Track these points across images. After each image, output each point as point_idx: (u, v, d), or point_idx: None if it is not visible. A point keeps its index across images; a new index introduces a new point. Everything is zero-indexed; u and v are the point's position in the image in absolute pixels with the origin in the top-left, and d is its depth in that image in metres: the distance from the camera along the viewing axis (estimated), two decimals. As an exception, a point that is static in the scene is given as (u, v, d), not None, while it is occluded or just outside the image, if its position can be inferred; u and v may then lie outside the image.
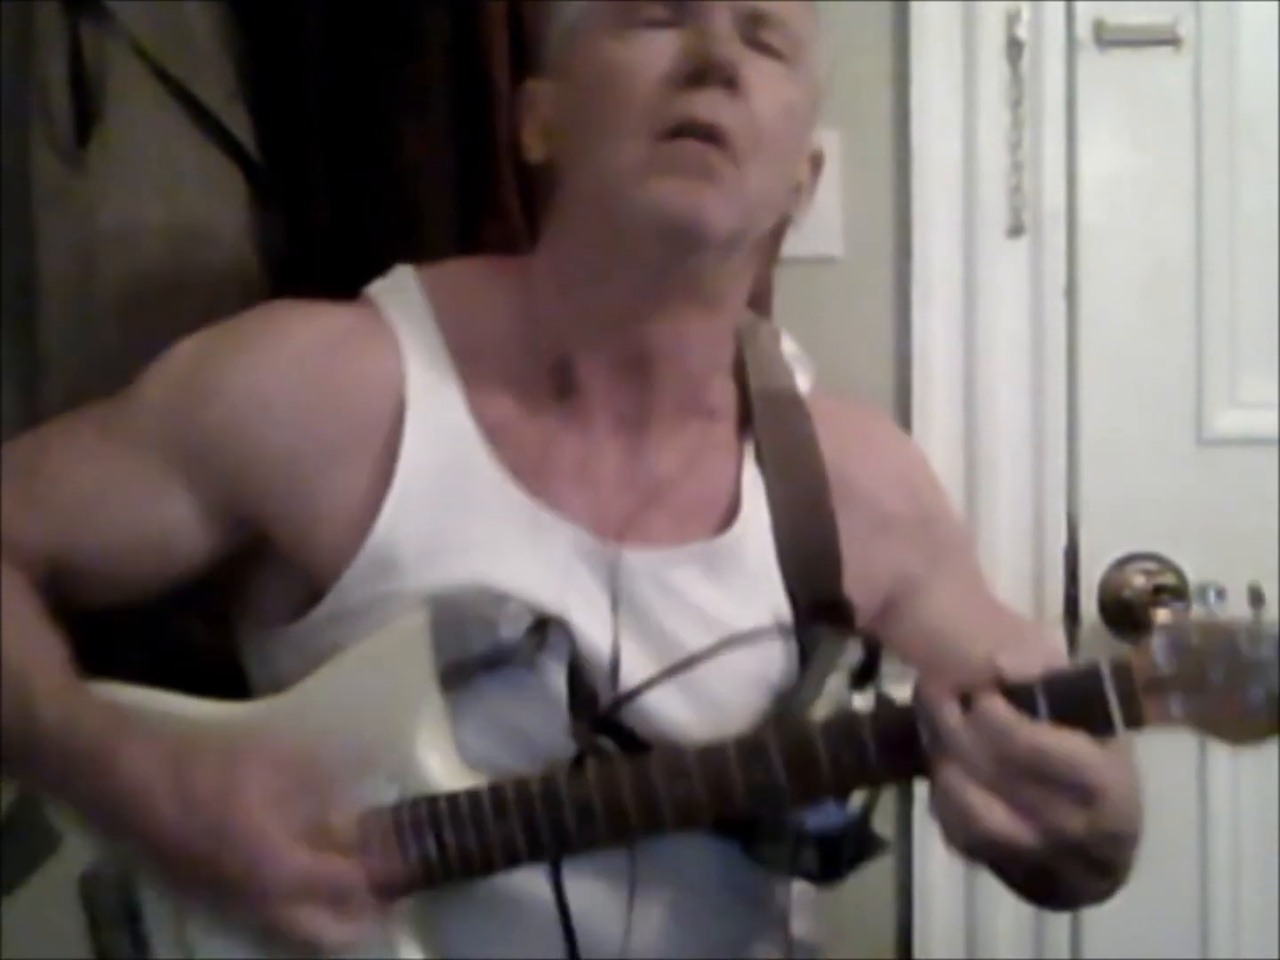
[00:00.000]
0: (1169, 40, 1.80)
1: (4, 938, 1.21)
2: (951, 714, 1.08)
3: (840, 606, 1.26)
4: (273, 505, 1.23)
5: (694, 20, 1.19)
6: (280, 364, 1.24)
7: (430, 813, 1.14)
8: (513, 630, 1.16)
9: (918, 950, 1.77)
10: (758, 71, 1.20)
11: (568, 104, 1.24)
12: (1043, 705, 1.08)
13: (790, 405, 1.33)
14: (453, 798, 1.14)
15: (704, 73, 1.17)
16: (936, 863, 1.71)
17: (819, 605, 1.26)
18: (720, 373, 1.31)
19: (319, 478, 1.22)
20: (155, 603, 1.29)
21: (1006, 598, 1.70)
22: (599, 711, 1.18)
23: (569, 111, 1.24)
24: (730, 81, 1.18)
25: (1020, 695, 1.08)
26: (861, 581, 1.28)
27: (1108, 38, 1.79)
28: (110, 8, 1.44)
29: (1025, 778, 1.06)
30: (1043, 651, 1.13)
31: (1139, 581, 1.80)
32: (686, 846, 1.19)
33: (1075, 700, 1.08)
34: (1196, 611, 1.10)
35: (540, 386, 1.25)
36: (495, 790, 1.14)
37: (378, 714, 1.16)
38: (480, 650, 1.16)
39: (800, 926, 1.32)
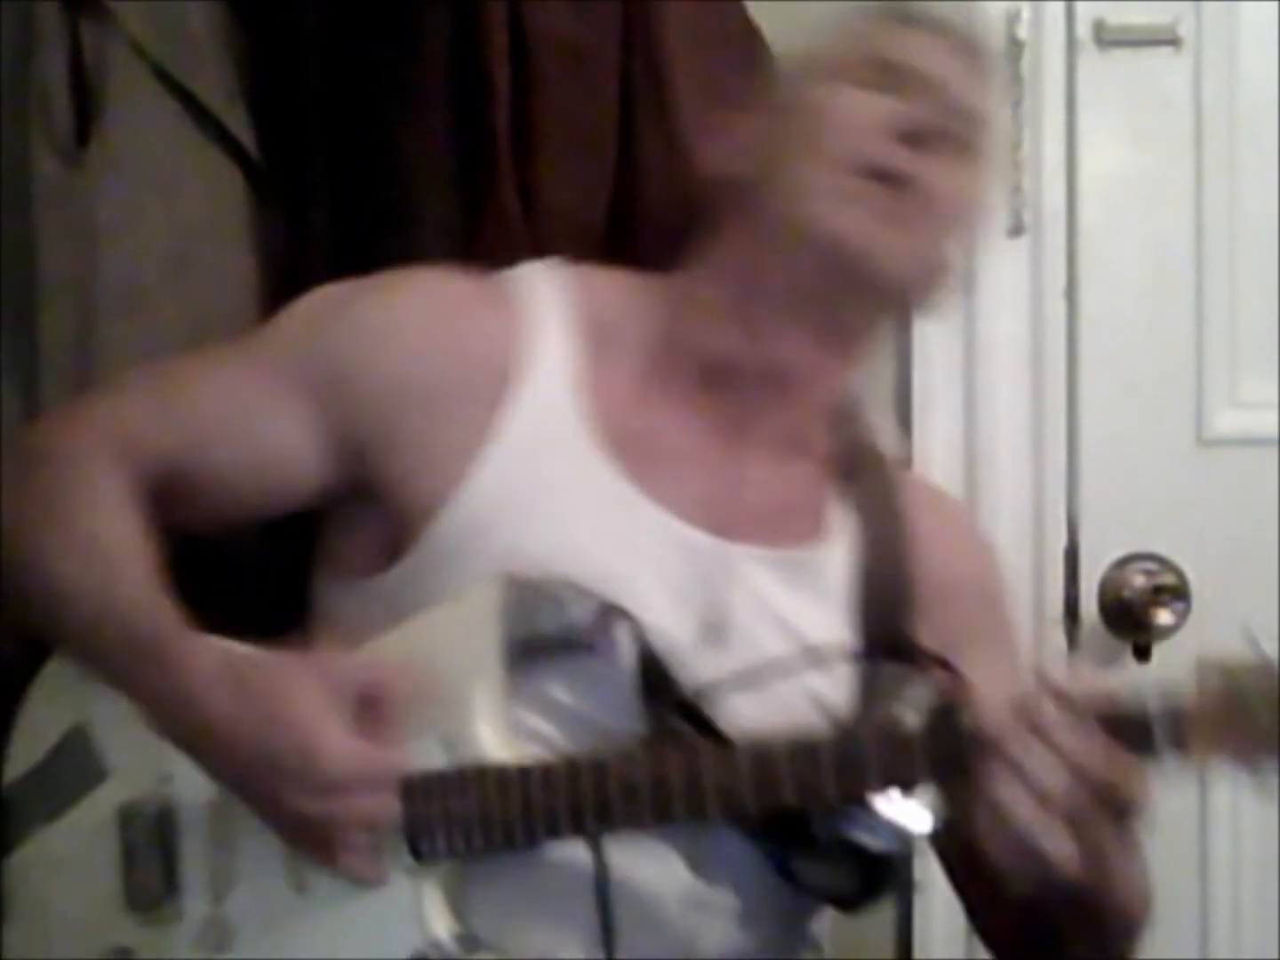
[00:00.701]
0: (1169, 40, 1.80)
1: (34, 872, 1.24)
2: (1008, 721, 1.10)
3: (908, 648, 1.28)
4: (383, 441, 1.26)
5: (908, 94, 1.29)
6: (413, 304, 1.30)
7: (478, 779, 1.15)
8: (580, 615, 1.18)
9: (918, 950, 1.77)
10: (953, 154, 1.29)
11: (780, 130, 1.32)
12: (1089, 720, 1.09)
13: (879, 462, 1.40)
14: (502, 767, 1.15)
15: (915, 132, 1.27)
16: (936, 863, 1.71)
17: (886, 645, 1.27)
18: (823, 422, 1.36)
19: (425, 420, 1.26)
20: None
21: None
22: (679, 698, 1.20)
23: (779, 137, 1.31)
24: (933, 148, 1.27)
25: (1067, 707, 1.09)
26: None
27: (1108, 38, 1.80)
28: (110, 8, 1.44)
29: (1070, 779, 1.08)
30: (1093, 680, 1.15)
31: (1139, 581, 1.80)
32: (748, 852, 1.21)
33: (1121, 718, 1.09)
34: (1247, 654, 1.11)
35: (664, 383, 1.30)
36: (544, 764, 1.16)
37: (441, 680, 1.17)
38: (547, 631, 1.18)
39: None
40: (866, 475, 1.36)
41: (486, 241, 1.49)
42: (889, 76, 1.29)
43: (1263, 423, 1.80)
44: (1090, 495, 1.81)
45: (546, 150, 1.52)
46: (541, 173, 1.52)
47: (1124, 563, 1.81)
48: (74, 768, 1.25)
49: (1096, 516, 1.81)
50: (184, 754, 1.17)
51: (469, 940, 1.16)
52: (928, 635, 1.30)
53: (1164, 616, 1.79)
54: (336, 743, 1.11)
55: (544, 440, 1.25)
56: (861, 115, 1.28)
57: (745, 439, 1.31)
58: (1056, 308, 1.81)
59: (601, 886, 1.17)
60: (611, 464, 1.26)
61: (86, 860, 1.23)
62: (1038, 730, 1.09)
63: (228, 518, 1.30)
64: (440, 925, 1.16)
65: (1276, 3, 1.79)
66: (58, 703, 1.27)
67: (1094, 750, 1.08)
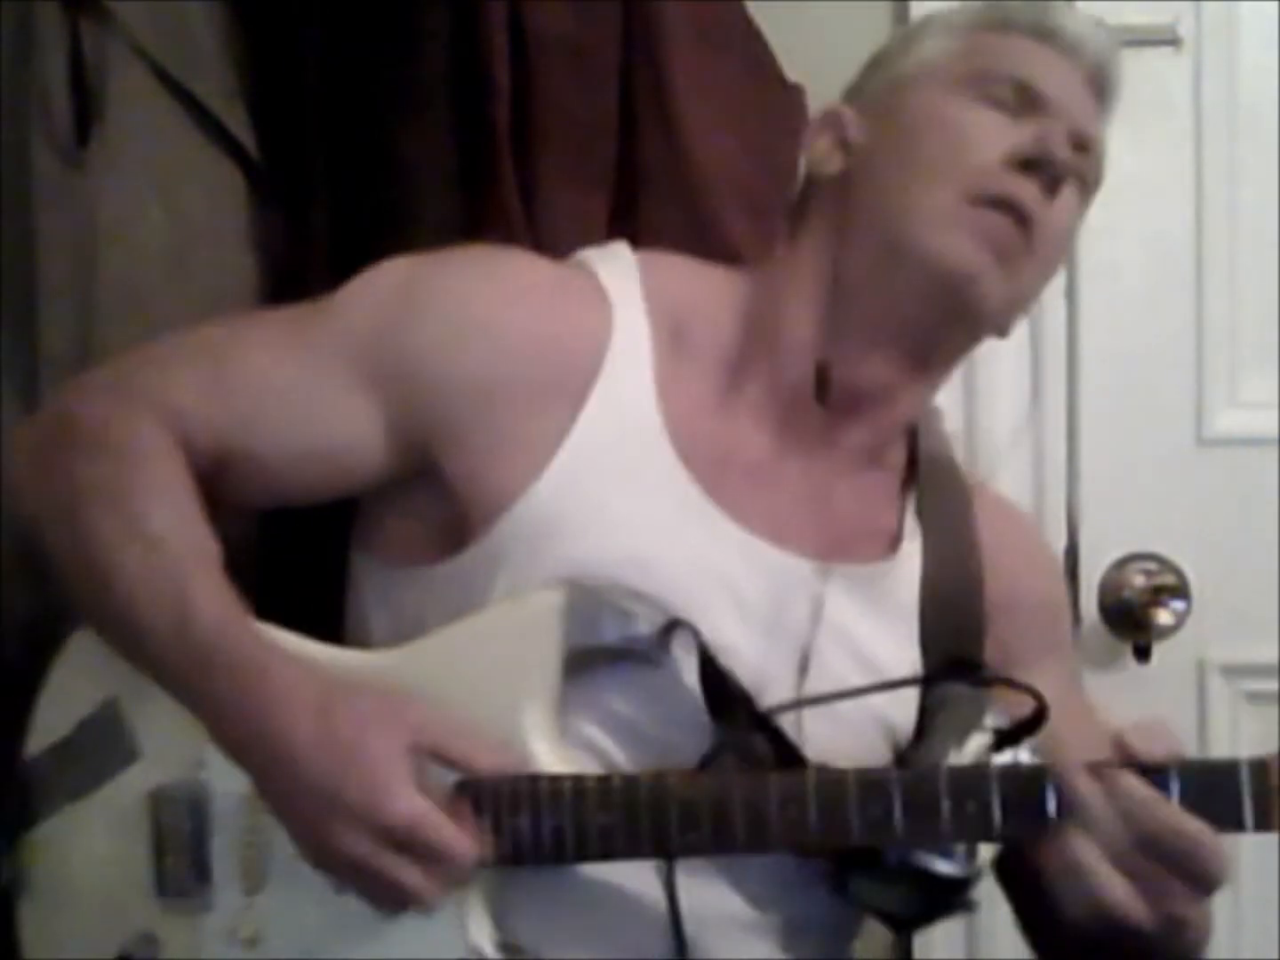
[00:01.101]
0: (1169, 40, 1.80)
1: (59, 849, 1.22)
2: (1088, 784, 1.08)
3: (974, 668, 1.25)
4: (454, 434, 1.22)
5: (1035, 120, 1.24)
6: (501, 293, 1.24)
7: (531, 790, 1.12)
8: (645, 628, 1.16)
9: (918, 950, 1.77)
10: (1067, 189, 1.25)
11: (888, 136, 1.27)
12: (1175, 790, 1.08)
13: (952, 472, 1.37)
14: (556, 779, 1.13)
15: (1041, 165, 1.22)
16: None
17: (951, 663, 1.25)
18: (901, 435, 1.34)
19: (506, 413, 1.21)
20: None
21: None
22: (747, 717, 1.17)
23: (888, 143, 1.27)
24: (1056, 185, 1.23)
25: (1154, 776, 1.08)
26: None
27: (1108, 38, 1.80)
28: (110, 8, 1.44)
29: (1153, 855, 1.06)
30: (1175, 741, 1.11)
31: (1139, 581, 1.80)
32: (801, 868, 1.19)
33: (1207, 791, 1.08)
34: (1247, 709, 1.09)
35: (744, 387, 1.26)
36: (603, 780, 1.13)
37: (495, 684, 1.15)
38: (609, 641, 1.16)
39: None
40: (938, 485, 1.34)
41: (487, 241, 1.49)
42: (1023, 100, 1.25)
43: (1263, 423, 1.80)
44: (1090, 495, 1.81)
45: (546, 150, 1.52)
46: (541, 173, 1.52)
47: (1124, 563, 1.81)
48: (104, 744, 1.22)
49: (1096, 516, 1.81)
50: (234, 762, 1.14)
51: (512, 949, 1.15)
52: (993, 647, 1.28)
53: (1164, 616, 1.79)
54: (406, 795, 1.08)
55: (623, 441, 1.21)
56: (993, 141, 1.23)
57: (825, 451, 1.27)
58: (1056, 308, 1.81)
59: (674, 909, 1.15)
60: (689, 472, 1.22)
61: (115, 842, 1.21)
62: (1117, 799, 1.07)
63: (279, 502, 1.28)
64: (483, 933, 1.14)
65: (1277, 3, 1.79)
66: (87, 674, 1.23)
67: (1173, 824, 1.07)
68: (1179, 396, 1.82)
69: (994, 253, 1.22)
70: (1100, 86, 1.29)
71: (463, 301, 1.24)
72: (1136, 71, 1.79)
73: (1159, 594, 1.79)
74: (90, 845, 1.22)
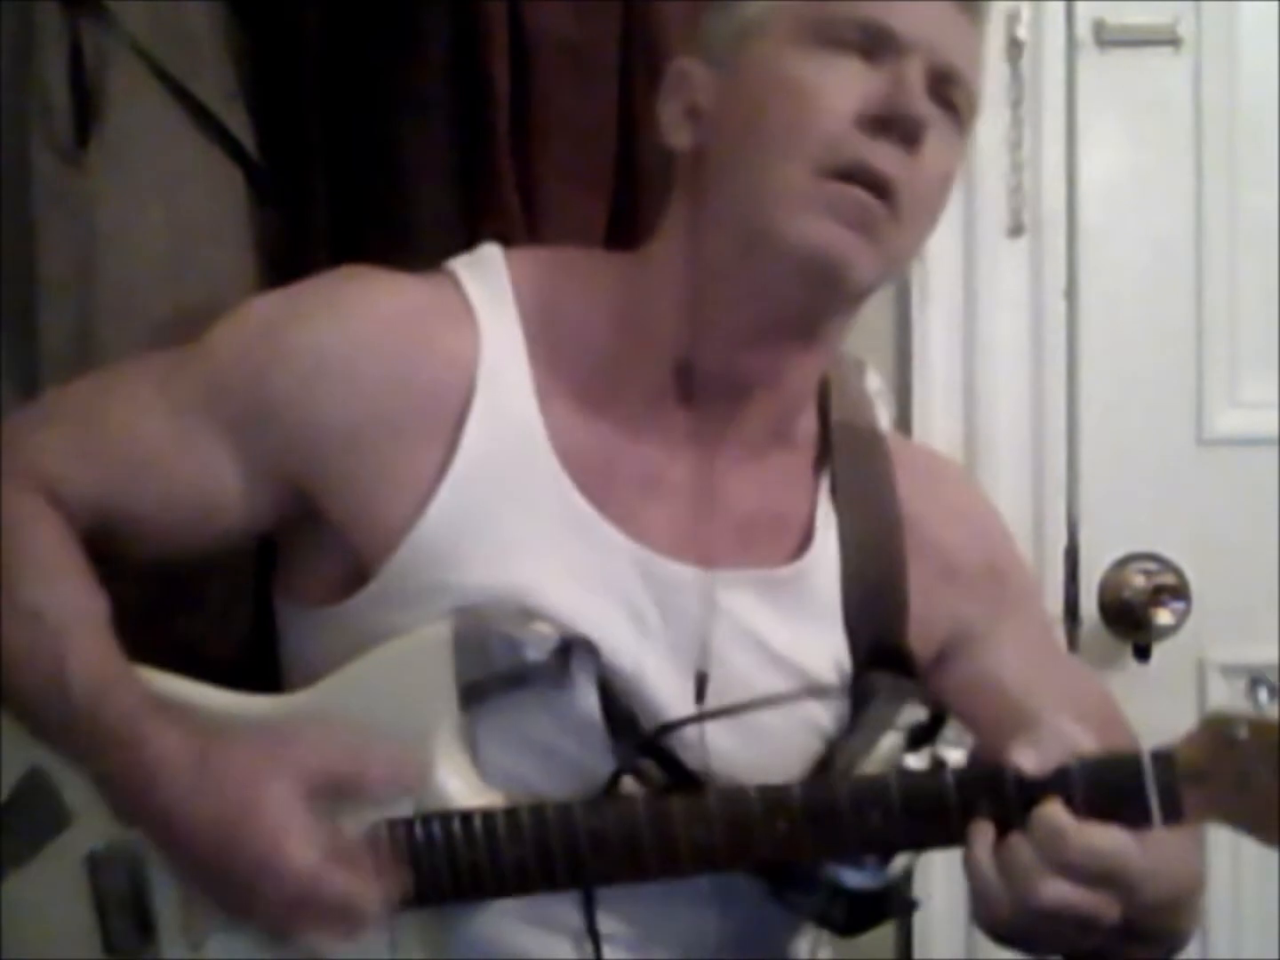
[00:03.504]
0: (1169, 40, 1.80)
1: (7, 916, 1.20)
2: (983, 851, 1.05)
3: (900, 656, 1.23)
4: (327, 478, 1.20)
5: (888, 58, 1.15)
6: (354, 333, 1.20)
7: (444, 829, 1.12)
8: (538, 651, 1.14)
9: (918, 950, 1.77)
10: (934, 132, 1.15)
11: (734, 102, 1.19)
12: (1079, 795, 1.04)
13: (870, 441, 1.30)
14: (467, 816, 1.12)
15: (893, 124, 1.13)
16: (936, 862, 1.71)
17: (878, 652, 1.23)
18: (806, 405, 1.28)
19: (378, 455, 1.18)
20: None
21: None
22: (643, 735, 1.15)
23: (734, 111, 1.18)
24: (914, 140, 1.14)
25: (1058, 783, 1.05)
26: (920, 627, 1.25)
27: (1108, 38, 1.80)
28: (110, 8, 1.44)
29: (1071, 876, 1.03)
30: (1069, 737, 1.07)
31: (1139, 581, 1.80)
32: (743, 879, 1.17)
33: (1113, 790, 1.04)
34: (1245, 706, 1.07)
35: (625, 387, 1.22)
36: (511, 813, 1.12)
37: (396, 726, 1.14)
38: (505, 668, 1.14)
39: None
40: (855, 456, 1.27)
41: (486, 241, 1.49)
42: (873, 40, 1.14)
43: (1263, 423, 1.80)
44: (1090, 495, 1.81)
45: (546, 150, 1.52)
46: (541, 172, 1.52)
47: (1124, 563, 1.81)
48: (36, 811, 1.20)
49: (1096, 516, 1.81)
50: (143, 836, 1.14)
51: None
52: (942, 622, 1.26)
53: (1164, 616, 1.80)
54: (297, 860, 1.08)
55: (507, 463, 1.18)
56: (842, 99, 1.13)
57: (718, 444, 1.22)
58: (1056, 308, 1.81)
59: (594, 936, 1.15)
60: (576, 486, 1.18)
61: (61, 907, 1.19)
62: (1039, 830, 1.03)
63: (170, 556, 1.25)
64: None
65: (1277, 3, 1.79)
66: (15, 742, 1.21)
67: (1096, 844, 1.03)
68: (1179, 396, 1.82)
69: (856, 228, 1.13)
70: (966, 8, 1.18)
71: (317, 345, 1.20)
72: (1136, 71, 1.81)
73: (1159, 594, 1.79)
74: (39, 910, 1.21)
